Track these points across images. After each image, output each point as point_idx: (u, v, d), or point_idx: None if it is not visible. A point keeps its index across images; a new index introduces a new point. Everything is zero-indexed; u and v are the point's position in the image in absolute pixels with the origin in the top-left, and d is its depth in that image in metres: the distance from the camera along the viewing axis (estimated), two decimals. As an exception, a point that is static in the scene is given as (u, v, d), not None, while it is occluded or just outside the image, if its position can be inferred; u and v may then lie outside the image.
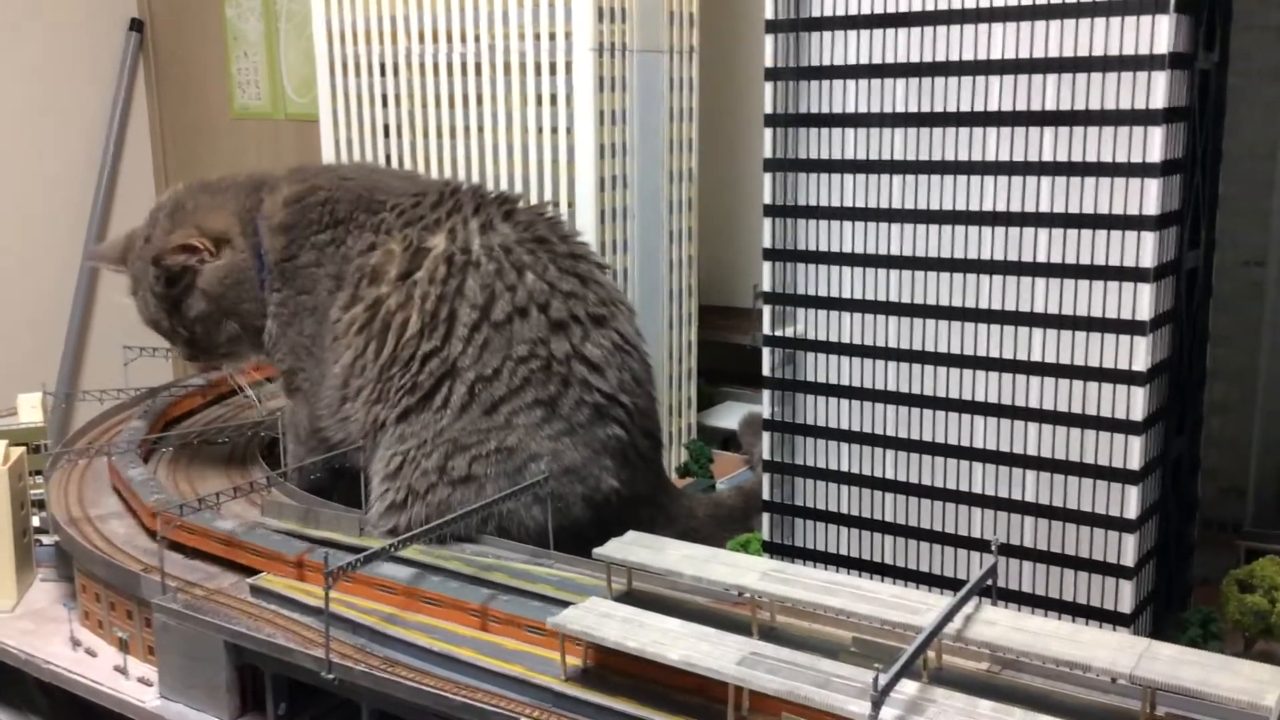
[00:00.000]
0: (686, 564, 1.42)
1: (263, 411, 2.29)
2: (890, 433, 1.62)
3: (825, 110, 1.60)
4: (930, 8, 1.50)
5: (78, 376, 3.86)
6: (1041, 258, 1.47)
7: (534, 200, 2.20)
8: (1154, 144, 1.39)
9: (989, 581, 1.36)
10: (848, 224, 1.61)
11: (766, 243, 1.67)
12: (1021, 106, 1.46)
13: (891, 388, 1.61)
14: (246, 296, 1.95)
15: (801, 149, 1.63)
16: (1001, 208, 1.49)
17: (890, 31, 1.53)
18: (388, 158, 2.41)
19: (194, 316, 1.96)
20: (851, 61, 1.57)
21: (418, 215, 1.88)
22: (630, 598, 1.46)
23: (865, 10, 1.55)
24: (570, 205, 2.20)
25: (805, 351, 1.68)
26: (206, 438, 2.20)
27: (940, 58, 1.50)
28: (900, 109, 1.54)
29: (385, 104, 2.39)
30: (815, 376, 1.67)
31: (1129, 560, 1.47)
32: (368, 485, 1.81)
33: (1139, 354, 1.43)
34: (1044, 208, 1.46)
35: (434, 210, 1.87)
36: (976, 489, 1.56)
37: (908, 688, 1.19)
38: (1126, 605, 1.48)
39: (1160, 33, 1.37)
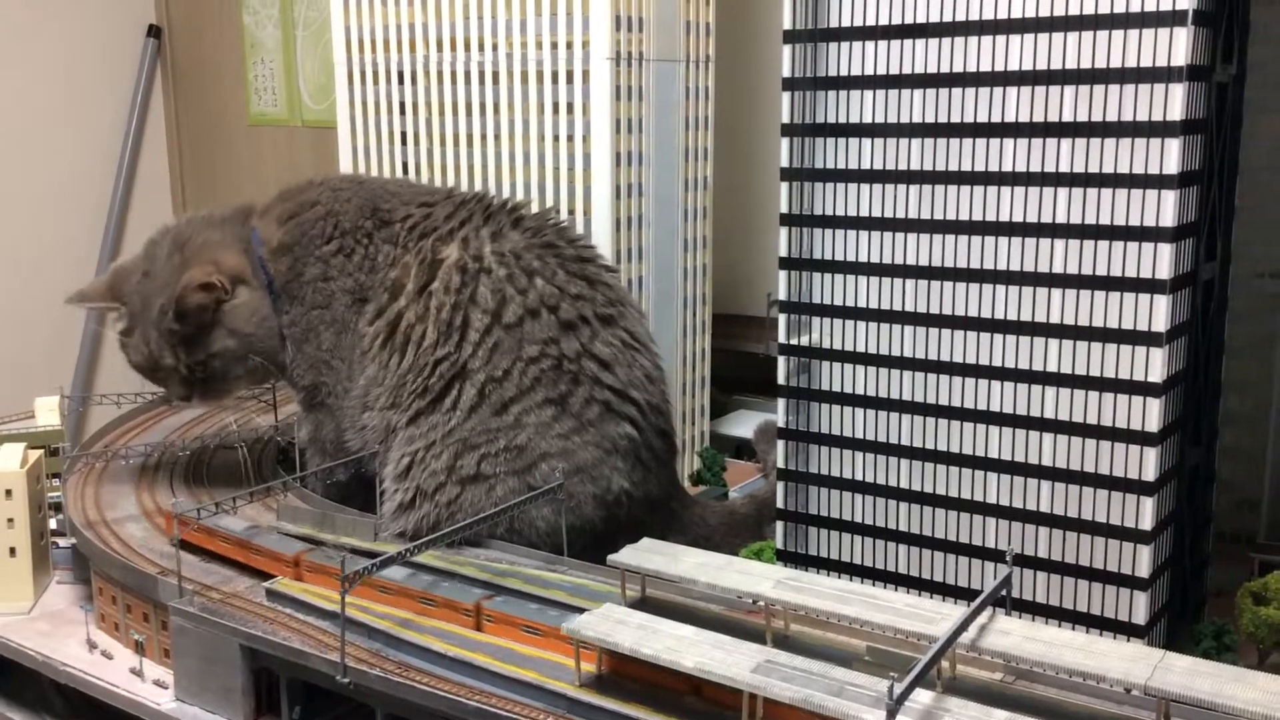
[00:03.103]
0: (701, 571, 1.43)
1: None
2: (905, 442, 1.62)
3: (842, 120, 1.61)
4: (948, 19, 1.51)
5: (94, 380, 3.87)
6: (1058, 268, 1.47)
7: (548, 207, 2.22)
8: (1171, 156, 1.39)
9: (1004, 591, 1.36)
10: (864, 233, 1.61)
11: (783, 251, 1.67)
12: (1039, 118, 1.46)
13: (907, 397, 1.61)
14: (272, 331, 1.95)
15: (818, 159, 1.64)
16: (1018, 218, 1.49)
17: (907, 42, 1.54)
18: (404, 165, 2.42)
19: (215, 352, 1.94)
20: (869, 72, 1.58)
21: (431, 226, 1.89)
22: (645, 604, 1.47)
23: (883, 21, 1.55)
24: (586, 213, 2.21)
25: (820, 360, 1.68)
26: (222, 442, 2.21)
27: (957, 69, 1.51)
28: (917, 119, 1.55)
29: (403, 111, 2.41)
30: (830, 385, 1.67)
31: (1144, 571, 1.47)
32: (381, 489, 1.83)
33: (1155, 365, 1.43)
34: (1060, 219, 1.46)
35: (447, 221, 1.89)
36: (991, 499, 1.56)
37: (922, 697, 1.19)
38: (1141, 616, 1.48)
39: (1178, 45, 1.37)
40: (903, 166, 1.57)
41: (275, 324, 1.95)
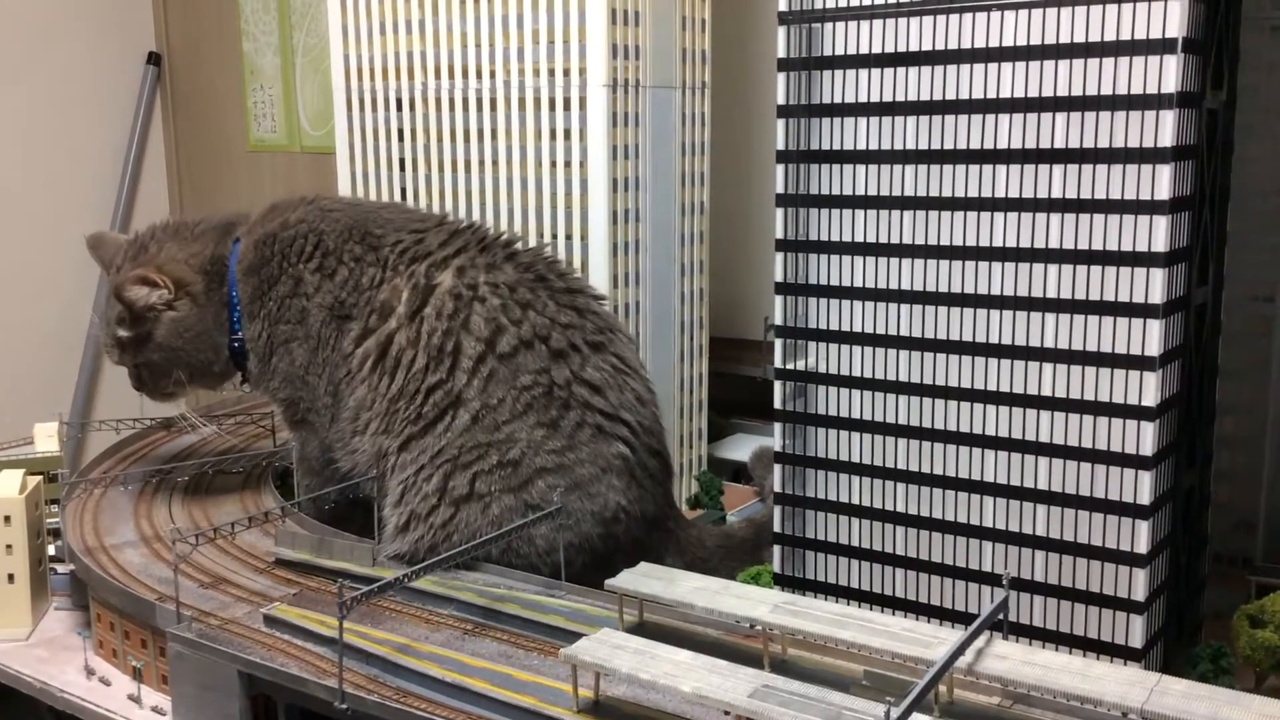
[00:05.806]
0: (698, 596, 1.43)
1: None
2: (901, 466, 1.63)
3: (837, 147, 1.62)
4: (940, 47, 1.52)
5: (92, 406, 3.88)
6: (1051, 293, 1.48)
7: (545, 232, 2.24)
8: (1163, 182, 1.40)
9: (1000, 615, 1.36)
10: (859, 259, 1.62)
11: (778, 276, 1.69)
12: (1031, 144, 1.47)
13: (902, 422, 1.62)
14: (203, 346, 2.00)
15: (813, 184, 1.65)
16: (1011, 244, 1.50)
17: (901, 70, 1.55)
18: (403, 191, 2.44)
19: (142, 361, 2.02)
20: (863, 99, 1.59)
21: (424, 251, 1.90)
22: (642, 629, 1.47)
23: (876, 49, 1.57)
24: (583, 238, 2.22)
25: (816, 384, 1.69)
26: (220, 467, 2.22)
27: (950, 96, 1.52)
28: (911, 146, 1.56)
29: (401, 138, 2.42)
30: (826, 409, 1.68)
31: (1140, 595, 1.48)
32: (380, 514, 1.83)
33: (1149, 389, 1.44)
34: (1054, 244, 1.47)
35: (441, 248, 1.90)
36: (988, 523, 1.57)
37: (919, 721, 1.19)
38: (1137, 640, 1.49)
39: (1168, 72, 1.38)
40: (897, 192, 1.58)
41: (213, 338, 1.99)
